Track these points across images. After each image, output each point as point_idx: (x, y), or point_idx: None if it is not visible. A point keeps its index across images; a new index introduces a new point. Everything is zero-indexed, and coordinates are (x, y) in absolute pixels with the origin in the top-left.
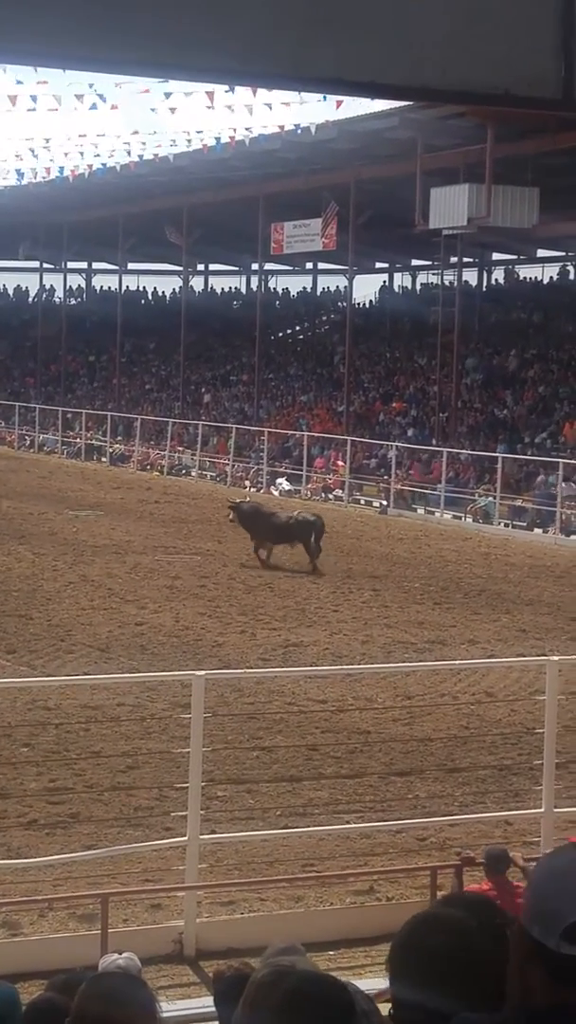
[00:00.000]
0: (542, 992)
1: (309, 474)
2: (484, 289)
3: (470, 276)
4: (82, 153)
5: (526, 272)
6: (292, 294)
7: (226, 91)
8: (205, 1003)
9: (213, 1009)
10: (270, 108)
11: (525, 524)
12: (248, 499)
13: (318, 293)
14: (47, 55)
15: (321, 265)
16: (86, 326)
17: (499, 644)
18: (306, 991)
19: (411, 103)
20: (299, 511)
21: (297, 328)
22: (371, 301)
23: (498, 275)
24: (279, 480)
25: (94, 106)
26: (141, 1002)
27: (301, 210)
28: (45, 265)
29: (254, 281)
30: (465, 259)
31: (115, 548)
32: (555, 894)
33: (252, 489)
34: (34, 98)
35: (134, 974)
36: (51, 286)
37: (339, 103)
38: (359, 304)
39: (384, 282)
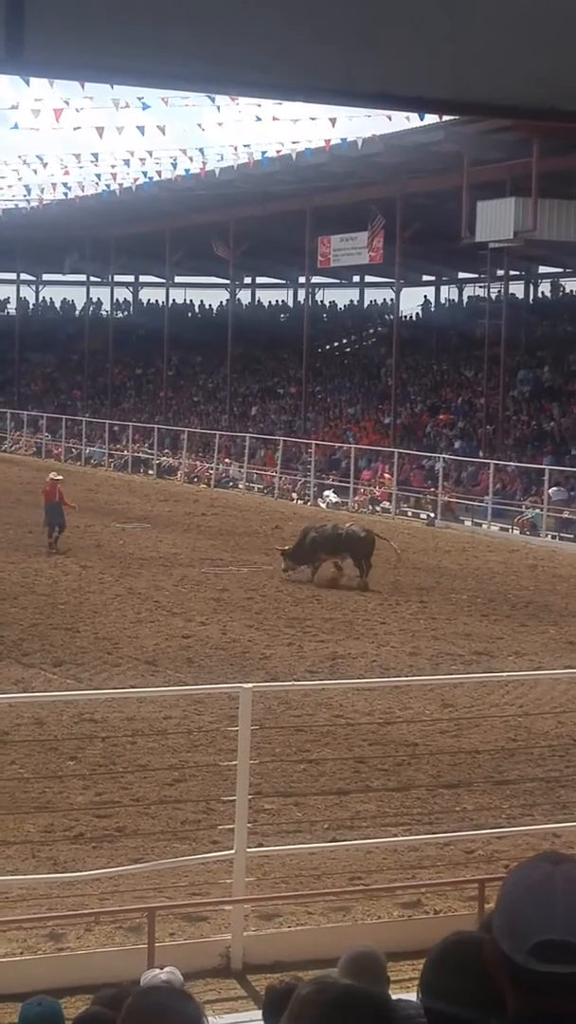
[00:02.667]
0: (511, 1003)
1: (356, 486)
2: (531, 302)
3: (516, 289)
4: (129, 168)
5: (573, 285)
6: (339, 307)
7: (275, 104)
8: (253, 1017)
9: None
10: (314, 120)
11: (573, 536)
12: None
13: (365, 306)
14: (90, 69)
15: (368, 278)
16: (133, 339)
17: (546, 656)
18: (345, 1005)
19: (457, 117)
20: (349, 524)
21: (344, 341)
22: (417, 314)
23: (544, 288)
24: (326, 492)
25: (141, 128)
26: (188, 1016)
27: (348, 223)
28: (92, 278)
29: (301, 294)
30: (511, 272)
31: (162, 561)
32: (525, 910)
33: (300, 501)
34: (79, 111)
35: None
36: (98, 299)
37: (390, 116)
38: (406, 317)
39: (426, 296)
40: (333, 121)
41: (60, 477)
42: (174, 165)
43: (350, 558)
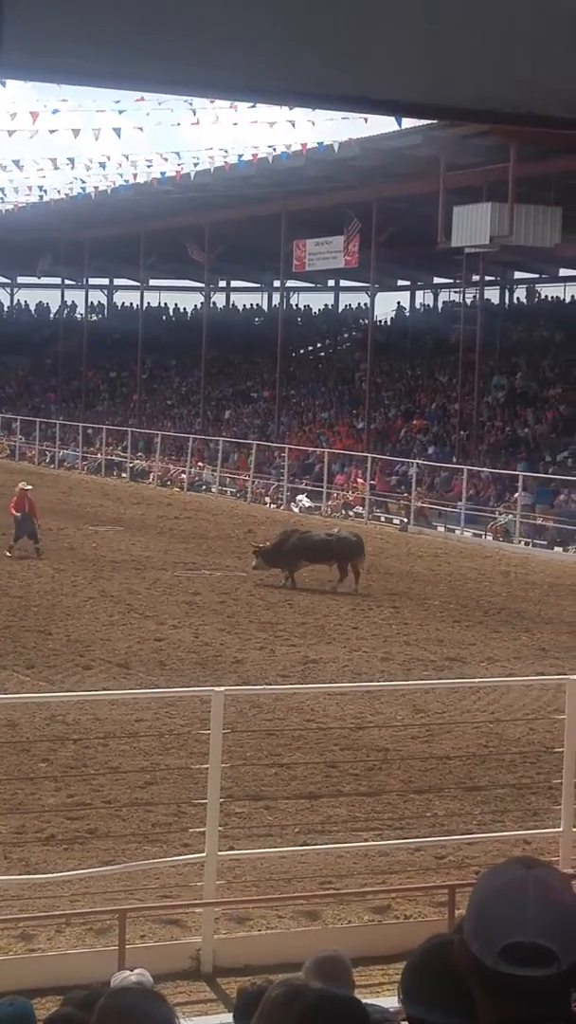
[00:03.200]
0: (480, 1007)
1: (329, 491)
2: (506, 307)
3: (492, 294)
4: (104, 169)
5: (548, 291)
6: (314, 311)
7: (249, 107)
8: (223, 1020)
9: None
10: (293, 125)
11: (546, 543)
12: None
13: (340, 310)
14: (68, 71)
15: (343, 282)
16: (107, 342)
17: (518, 663)
18: (321, 1010)
19: (435, 121)
20: (338, 529)
21: (318, 345)
22: (391, 319)
23: (520, 294)
24: (299, 497)
25: (118, 130)
26: (160, 1017)
27: (323, 227)
28: (67, 281)
29: (276, 298)
30: (487, 277)
31: (135, 564)
32: (495, 912)
33: (273, 506)
34: (55, 112)
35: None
36: (72, 302)
37: (365, 119)
38: (381, 321)
39: (399, 302)
40: (312, 123)
41: (29, 487)
42: (149, 168)
43: (336, 563)
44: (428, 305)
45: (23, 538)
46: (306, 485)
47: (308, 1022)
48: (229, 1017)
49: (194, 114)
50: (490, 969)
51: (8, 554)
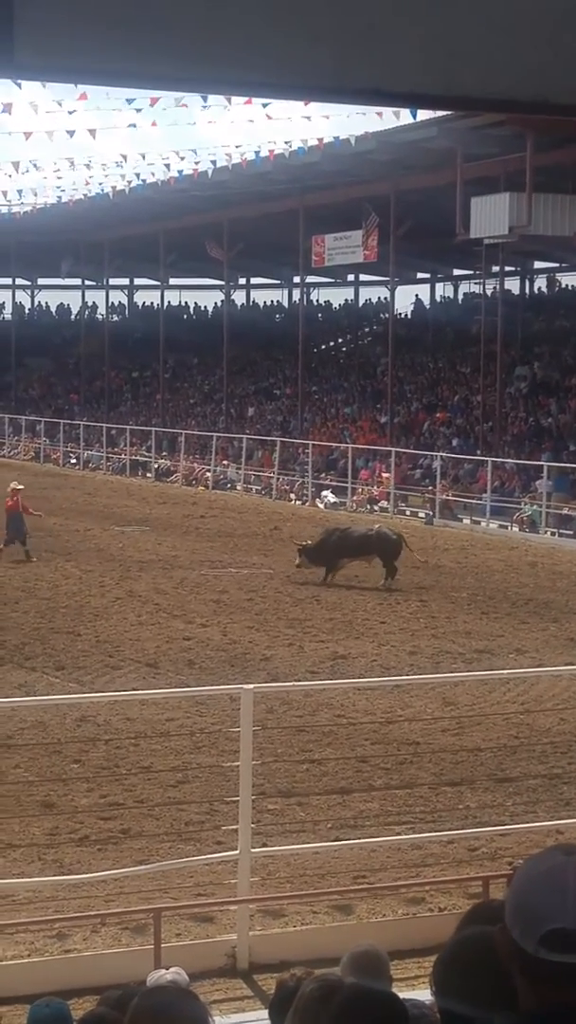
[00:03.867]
0: (522, 994)
1: (354, 486)
2: (526, 297)
3: (512, 285)
4: (122, 169)
5: (568, 280)
6: (334, 306)
7: (264, 104)
8: (259, 1016)
9: (269, 1022)
10: (309, 120)
11: (572, 533)
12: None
13: (360, 305)
14: (83, 71)
15: (363, 277)
16: (129, 342)
17: (547, 653)
18: (358, 1005)
19: (450, 113)
20: (378, 524)
21: (340, 340)
22: (407, 314)
23: (540, 283)
24: (324, 492)
25: (133, 125)
26: (193, 1015)
27: (341, 222)
28: (87, 282)
29: (296, 294)
30: (507, 268)
31: (161, 563)
32: (536, 898)
33: (298, 502)
34: (71, 113)
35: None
36: (93, 303)
37: (380, 113)
38: (401, 315)
39: (417, 295)
40: (327, 117)
41: (21, 487)
42: (167, 167)
43: (380, 560)
44: (448, 297)
45: (14, 543)
46: (331, 481)
47: (345, 1018)
48: (266, 1013)
49: (208, 111)
50: (531, 956)
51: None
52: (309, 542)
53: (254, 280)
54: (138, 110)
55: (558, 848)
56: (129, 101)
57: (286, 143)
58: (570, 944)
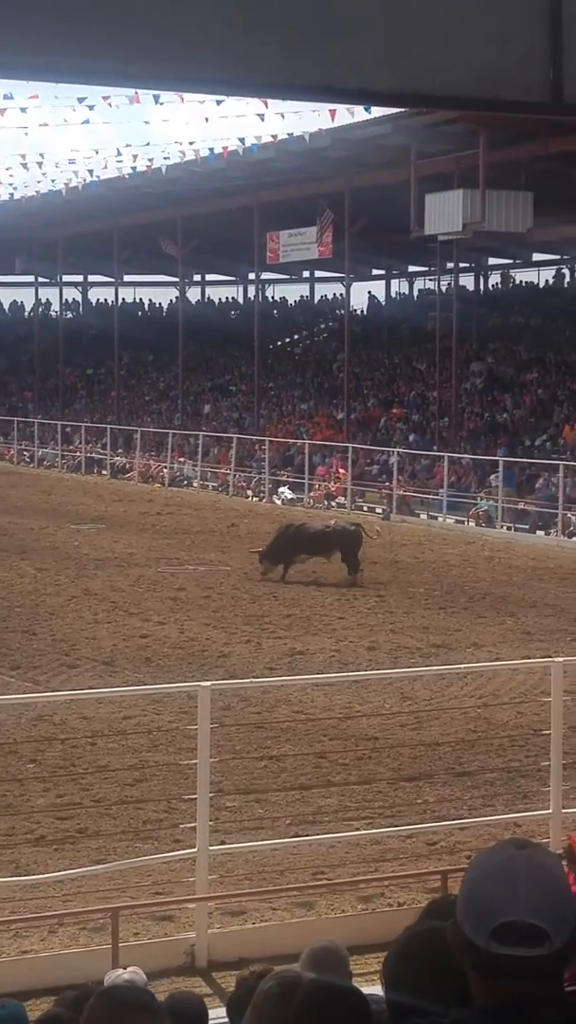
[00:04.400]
0: (474, 989)
1: (311, 482)
2: (481, 294)
3: (467, 281)
4: (75, 166)
5: (522, 276)
6: (289, 303)
7: (217, 102)
8: (218, 1014)
9: (227, 1020)
10: (262, 119)
11: (527, 527)
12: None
13: (315, 301)
14: (36, 68)
15: (318, 273)
16: (83, 339)
17: (504, 647)
18: (320, 1000)
19: (403, 110)
20: (335, 519)
21: (295, 337)
22: (368, 308)
23: (495, 279)
24: (281, 489)
25: (87, 121)
26: (149, 1014)
27: (296, 219)
28: (41, 279)
29: (251, 291)
30: (461, 264)
31: (118, 561)
32: (487, 891)
33: (254, 498)
34: (24, 110)
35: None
36: (47, 300)
37: (333, 112)
38: (357, 311)
39: (370, 292)
40: (283, 116)
41: None
42: (120, 164)
43: (341, 555)
44: (404, 294)
45: None
46: (287, 477)
47: (307, 1013)
48: (224, 1011)
49: (161, 108)
50: (482, 949)
51: None
52: (261, 548)
53: (209, 277)
54: (91, 107)
55: (510, 842)
56: (80, 100)
57: (240, 140)
58: (521, 937)
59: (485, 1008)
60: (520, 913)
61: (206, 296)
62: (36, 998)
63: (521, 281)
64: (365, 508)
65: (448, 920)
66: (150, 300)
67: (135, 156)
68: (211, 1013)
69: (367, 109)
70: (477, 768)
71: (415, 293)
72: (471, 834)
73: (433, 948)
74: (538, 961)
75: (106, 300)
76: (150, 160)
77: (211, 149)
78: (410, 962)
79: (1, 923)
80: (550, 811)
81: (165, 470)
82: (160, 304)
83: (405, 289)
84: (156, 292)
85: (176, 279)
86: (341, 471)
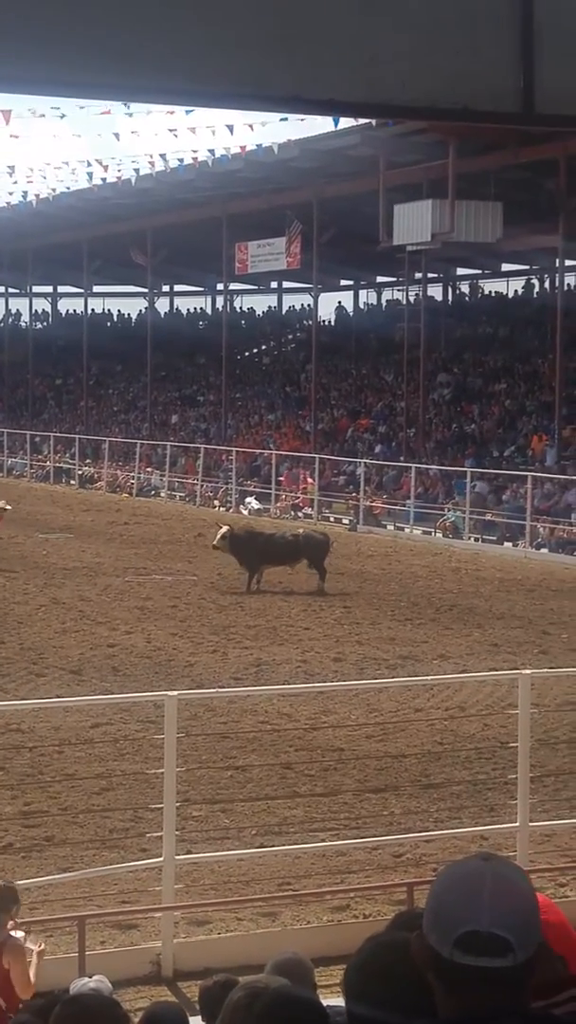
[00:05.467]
0: (439, 1000)
1: (278, 492)
2: (450, 304)
3: (435, 291)
4: (45, 177)
5: (491, 286)
6: (258, 313)
7: (187, 112)
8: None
9: None
10: (231, 131)
11: (495, 538)
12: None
13: (283, 312)
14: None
15: (286, 284)
16: (52, 349)
17: (471, 659)
18: (279, 1010)
19: (372, 120)
20: (302, 528)
21: (263, 347)
22: (331, 321)
23: (463, 290)
24: (248, 499)
25: (55, 135)
26: (115, 1021)
27: (265, 229)
28: (10, 290)
29: (219, 301)
30: (430, 274)
31: (86, 570)
32: (453, 902)
33: (222, 509)
34: None
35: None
36: (17, 310)
37: (302, 119)
38: (325, 322)
39: (340, 302)
40: (251, 127)
41: (8, 507)
42: (90, 175)
43: (309, 564)
44: (372, 304)
45: None
46: (254, 487)
47: (267, 1021)
48: (192, 1020)
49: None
50: (447, 960)
51: None
52: (229, 527)
53: (178, 287)
54: (62, 116)
55: (478, 855)
56: (54, 108)
57: (209, 151)
58: (484, 947)
59: (449, 1021)
60: (484, 923)
61: (175, 307)
62: None
63: (490, 291)
64: (332, 519)
65: (414, 932)
66: (119, 311)
67: (105, 167)
68: None
69: (335, 121)
70: (443, 780)
71: (383, 303)
72: (437, 846)
73: (396, 960)
74: (502, 972)
75: (75, 311)
76: (120, 171)
77: (180, 160)
78: (371, 974)
79: None
80: (517, 824)
81: (133, 480)
82: (129, 315)
83: (373, 300)
84: (125, 303)
85: (145, 290)
86: (308, 481)
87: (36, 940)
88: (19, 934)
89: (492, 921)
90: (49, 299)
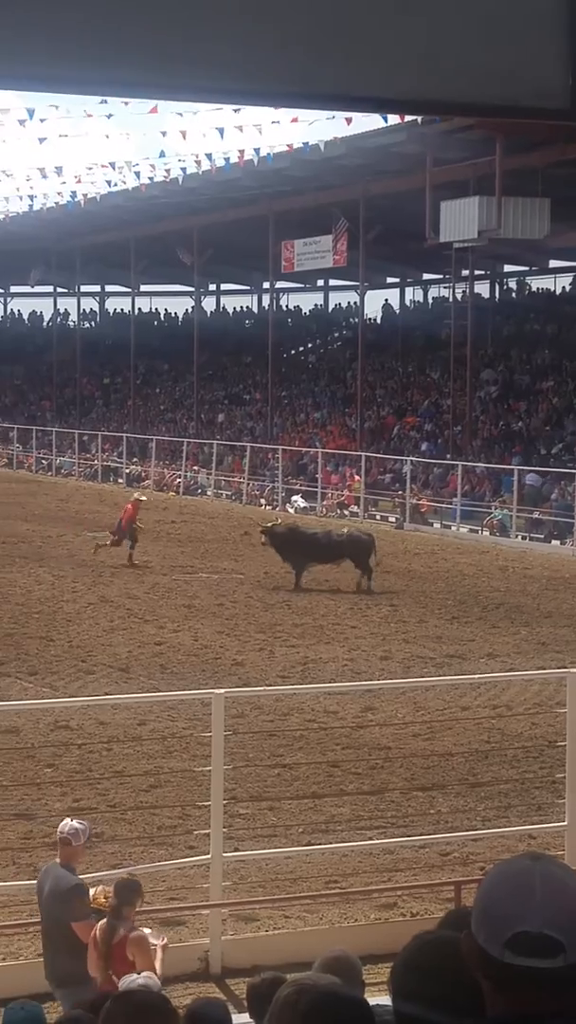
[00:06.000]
0: (488, 1000)
1: (324, 491)
2: (497, 301)
3: (482, 288)
4: (93, 178)
5: (538, 283)
6: (304, 311)
7: (235, 111)
8: (241, 1021)
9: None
10: (276, 124)
11: (542, 536)
12: (279, 521)
13: (330, 310)
14: (50, 79)
15: (332, 282)
16: (100, 349)
17: (518, 657)
18: (323, 1009)
19: (419, 117)
20: (347, 527)
21: (309, 345)
22: (383, 316)
23: (510, 286)
24: (294, 498)
25: (107, 136)
26: (164, 1019)
27: (311, 227)
28: (59, 289)
29: (266, 299)
30: (477, 272)
31: (133, 569)
32: (502, 901)
33: (268, 507)
34: (43, 121)
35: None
36: (65, 310)
37: (349, 120)
38: (371, 320)
39: (386, 299)
40: (296, 120)
41: (144, 498)
42: (137, 174)
43: (354, 563)
44: (418, 302)
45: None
46: (301, 486)
47: (310, 1021)
48: (239, 1018)
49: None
50: (497, 960)
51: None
52: (278, 521)
53: (224, 286)
54: (109, 115)
55: (527, 854)
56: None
57: (255, 149)
58: (536, 948)
59: (498, 1020)
60: (535, 924)
61: (221, 305)
62: (53, 1000)
63: (537, 288)
64: (378, 517)
65: (462, 931)
66: (166, 310)
67: (152, 166)
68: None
69: (384, 118)
70: (491, 779)
71: (429, 301)
72: (484, 845)
73: (443, 958)
74: (553, 973)
75: (123, 310)
76: (167, 170)
77: (227, 159)
78: (419, 972)
79: (19, 926)
80: (565, 823)
81: (180, 479)
82: (176, 314)
83: (420, 297)
84: (172, 302)
85: (192, 288)
86: (356, 478)
87: (160, 934)
88: (145, 929)
89: (544, 922)
90: (97, 299)
